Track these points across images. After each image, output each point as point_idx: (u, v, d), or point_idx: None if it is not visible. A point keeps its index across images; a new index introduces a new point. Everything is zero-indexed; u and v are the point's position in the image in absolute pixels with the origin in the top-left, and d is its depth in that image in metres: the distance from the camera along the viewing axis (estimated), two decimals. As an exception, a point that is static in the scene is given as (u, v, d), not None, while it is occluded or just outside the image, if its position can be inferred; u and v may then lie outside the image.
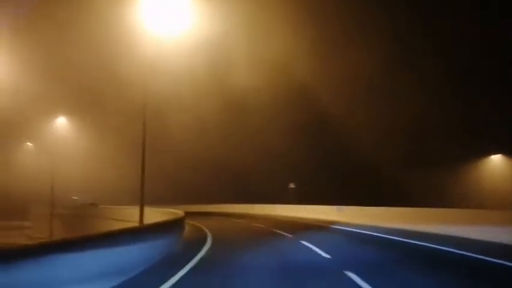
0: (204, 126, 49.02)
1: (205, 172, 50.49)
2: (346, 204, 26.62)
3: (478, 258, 10.23)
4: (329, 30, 38.53)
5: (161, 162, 59.06)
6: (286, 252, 11.93)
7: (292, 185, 32.59)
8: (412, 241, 13.80)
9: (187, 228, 20.06)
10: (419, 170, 32.75)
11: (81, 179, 62.23)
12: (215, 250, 12.39)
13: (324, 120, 40.42)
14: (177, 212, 20.16)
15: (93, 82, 47.45)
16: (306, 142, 43.37)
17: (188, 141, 50.98)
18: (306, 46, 38.42)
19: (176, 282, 7.37)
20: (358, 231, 18.34)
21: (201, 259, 10.30)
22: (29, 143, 59.19)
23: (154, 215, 20.35)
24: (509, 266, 9.16)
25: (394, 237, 15.16)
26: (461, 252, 11.10)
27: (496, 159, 34.93)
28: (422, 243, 13.11)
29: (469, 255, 10.60)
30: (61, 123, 49.49)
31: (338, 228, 19.95)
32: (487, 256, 10.19)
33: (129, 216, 24.35)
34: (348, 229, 19.23)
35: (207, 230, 19.61)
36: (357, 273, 7.71)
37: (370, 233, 17.30)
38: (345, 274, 7.81)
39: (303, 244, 13.07)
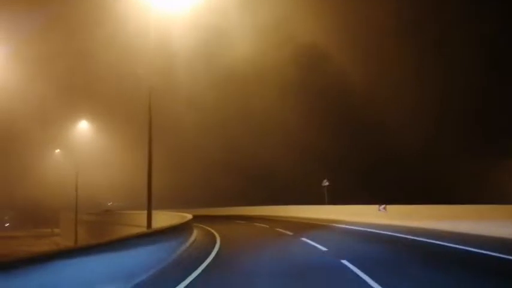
0: (225, 126, 46.55)
1: (229, 173, 47.82)
2: (383, 202, 22.54)
3: None
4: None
5: (186, 165, 57.25)
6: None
7: (326, 182, 28.51)
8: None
9: (196, 234, 18.82)
10: (469, 162, 28.46)
11: (109, 184, 61.16)
12: (218, 272, 9.09)
13: (356, 109, 36.69)
14: (185, 216, 19.63)
15: (113, 87, 45.76)
16: (336, 134, 39.77)
17: (210, 142, 48.71)
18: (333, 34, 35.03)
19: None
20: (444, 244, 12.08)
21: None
22: (57, 150, 58.05)
23: (161, 218, 20.53)
24: None
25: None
26: None
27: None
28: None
29: None
30: (83, 127, 47.41)
31: (399, 237, 14.30)
32: None
33: (141, 221, 22.30)
34: (423, 240, 13.24)
35: (218, 239, 16.82)
36: None
37: (452, 245, 11.73)
38: None
39: (353, 272, 8.28)
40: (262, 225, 23.62)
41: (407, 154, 32.59)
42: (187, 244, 14.94)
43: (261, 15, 35.17)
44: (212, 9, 26.53)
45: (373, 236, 15.72)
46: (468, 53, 32.33)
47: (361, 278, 7.69)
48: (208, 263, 10.22)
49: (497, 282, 7.31)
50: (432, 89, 34.92)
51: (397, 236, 14.66)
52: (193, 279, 8.20)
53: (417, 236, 14.09)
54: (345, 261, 9.31)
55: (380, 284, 7.06)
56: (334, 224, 21.53)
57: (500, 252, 9.87)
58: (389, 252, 11.39)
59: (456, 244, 11.67)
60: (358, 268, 8.44)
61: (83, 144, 47.12)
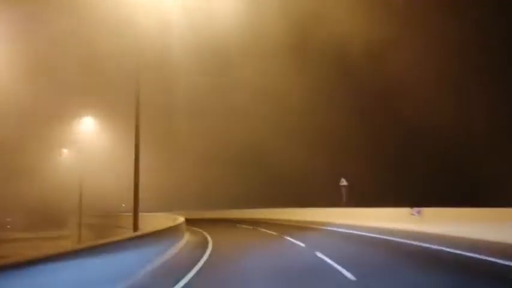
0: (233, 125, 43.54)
1: (238, 174, 44.53)
2: (415, 204, 18.31)
3: None
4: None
5: (192, 166, 54.13)
6: None
7: (344, 182, 24.47)
8: None
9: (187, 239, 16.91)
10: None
11: (122, 185, 58.48)
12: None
13: (377, 98, 32.75)
14: (178, 218, 18.64)
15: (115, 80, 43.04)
16: (354, 129, 35.76)
17: (217, 141, 45.83)
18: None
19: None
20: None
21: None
22: (65, 150, 55.38)
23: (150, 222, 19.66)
24: None
25: None
26: None
27: None
28: None
29: None
30: (88, 124, 44.29)
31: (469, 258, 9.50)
32: None
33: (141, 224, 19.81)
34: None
35: (209, 246, 14.48)
36: None
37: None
38: None
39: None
40: (269, 231, 19.75)
41: (438, 151, 28.47)
42: (168, 254, 12.35)
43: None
44: None
45: (425, 253, 10.91)
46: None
47: None
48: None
49: None
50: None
51: (465, 256, 9.83)
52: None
53: (495, 257, 9.23)
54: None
55: None
56: (356, 232, 17.41)
57: None
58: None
59: None
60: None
61: (89, 142, 44.44)
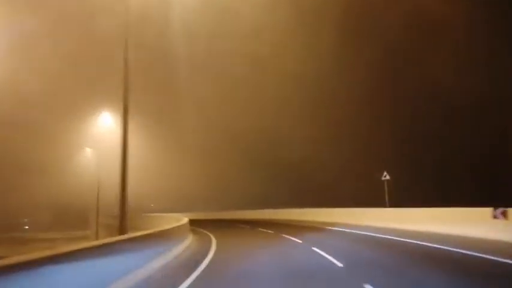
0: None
1: (260, 175, 41.19)
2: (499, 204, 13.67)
3: None
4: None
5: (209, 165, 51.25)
6: None
7: (386, 176, 19.98)
8: None
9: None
10: None
11: (150, 185, 56.31)
12: None
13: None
14: (182, 219, 17.06)
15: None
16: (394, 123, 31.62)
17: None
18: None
19: None
20: None
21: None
22: (88, 148, 53.25)
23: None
24: None
25: None
26: None
27: None
28: None
29: None
30: (107, 121, 41.38)
31: None
32: None
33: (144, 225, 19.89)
34: None
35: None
36: None
37: None
38: None
39: None
40: (293, 238, 15.65)
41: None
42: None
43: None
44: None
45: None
46: None
47: None
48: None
49: None
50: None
51: None
52: None
53: None
54: None
55: None
56: (419, 242, 12.56)
57: None
58: None
59: None
60: None
61: (110, 139, 41.77)
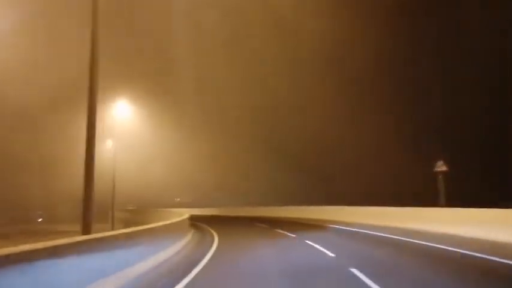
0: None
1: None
2: None
3: None
4: None
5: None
6: None
7: (442, 166, 15.35)
8: None
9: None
10: None
11: (174, 178, 54.00)
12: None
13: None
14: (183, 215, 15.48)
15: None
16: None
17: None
18: None
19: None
20: None
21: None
22: (109, 141, 51.10)
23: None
24: None
25: None
26: None
27: None
28: None
29: None
30: (124, 110, 38.33)
31: None
32: None
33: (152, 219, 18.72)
34: None
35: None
36: None
37: None
38: None
39: None
40: (323, 249, 11.42)
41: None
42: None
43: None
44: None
45: None
46: None
47: None
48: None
49: None
50: None
51: None
52: None
53: None
54: None
55: None
56: None
57: None
58: None
59: None
60: None
61: (130, 130, 39.19)
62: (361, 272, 7.42)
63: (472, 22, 28.97)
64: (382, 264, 8.89)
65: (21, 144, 41.21)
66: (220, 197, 49.44)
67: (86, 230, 9.61)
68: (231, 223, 25.84)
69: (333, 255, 10.18)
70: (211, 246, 12.65)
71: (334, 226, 19.91)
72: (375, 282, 6.58)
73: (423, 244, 11.64)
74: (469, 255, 9.41)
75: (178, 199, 62.08)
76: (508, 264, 8.21)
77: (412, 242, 12.35)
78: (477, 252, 9.51)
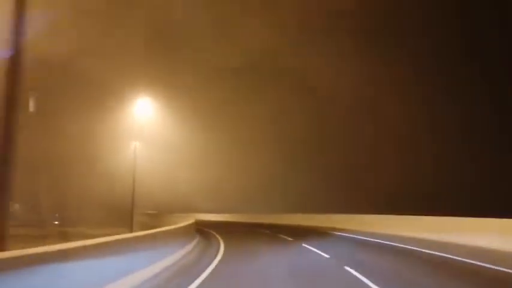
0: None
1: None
2: None
3: None
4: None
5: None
6: None
7: None
8: None
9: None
10: None
11: (199, 184, 52.52)
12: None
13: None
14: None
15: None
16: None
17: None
18: None
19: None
20: None
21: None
22: (135, 143, 49.75)
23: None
24: None
25: None
26: None
27: None
28: None
29: None
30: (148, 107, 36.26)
31: None
32: None
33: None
34: None
35: None
36: None
37: None
38: None
39: None
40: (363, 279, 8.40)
41: None
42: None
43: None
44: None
45: None
46: None
47: None
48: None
49: None
50: None
51: None
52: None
53: None
54: None
55: None
56: None
57: None
58: None
59: None
60: None
61: (155, 131, 37.50)
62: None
63: None
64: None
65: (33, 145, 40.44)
66: (247, 204, 47.61)
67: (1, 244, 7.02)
68: (246, 230, 23.56)
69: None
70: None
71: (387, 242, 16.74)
72: None
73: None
74: None
75: (207, 204, 60.64)
76: None
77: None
78: None
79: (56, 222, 42.33)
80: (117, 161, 41.25)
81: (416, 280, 8.01)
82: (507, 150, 32.79)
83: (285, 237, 18.63)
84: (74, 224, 40.61)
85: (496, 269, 8.66)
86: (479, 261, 9.54)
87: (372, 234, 18.13)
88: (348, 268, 9.20)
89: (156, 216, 34.28)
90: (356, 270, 8.75)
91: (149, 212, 36.89)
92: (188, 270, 8.95)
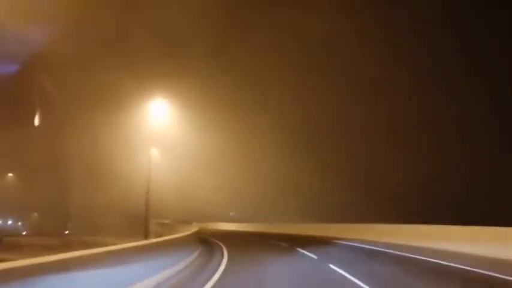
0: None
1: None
2: None
3: None
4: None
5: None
6: None
7: None
8: None
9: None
10: None
11: (228, 191, 51.37)
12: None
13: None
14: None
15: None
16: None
17: None
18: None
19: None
20: None
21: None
22: (154, 149, 48.50)
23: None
24: None
25: None
26: None
27: None
28: None
29: None
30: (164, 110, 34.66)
31: None
32: None
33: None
34: None
35: None
36: None
37: None
38: None
39: None
40: None
41: None
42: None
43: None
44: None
45: None
46: None
47: None
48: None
49: None
50: None
51: None
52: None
53: None
54: None
55: None
56: None
57: None
58: None
59: None
60: None
61: (173, 136, 36.10)
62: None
63: None
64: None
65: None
66: (273, 214, 46.28)
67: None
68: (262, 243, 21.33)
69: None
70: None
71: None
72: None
73: None
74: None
75: (233, 213, 59.17)
76: None
77: None
78: None
79: (66, 232, 41.64)
80: (133, 166, 40.11)
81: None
82: (507, 150, 29.68)
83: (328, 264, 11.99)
84: (94, 233, 39.78)
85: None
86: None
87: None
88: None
89: (168, 226, 32.86)
90: None
91: (162, 221, 35.57)
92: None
